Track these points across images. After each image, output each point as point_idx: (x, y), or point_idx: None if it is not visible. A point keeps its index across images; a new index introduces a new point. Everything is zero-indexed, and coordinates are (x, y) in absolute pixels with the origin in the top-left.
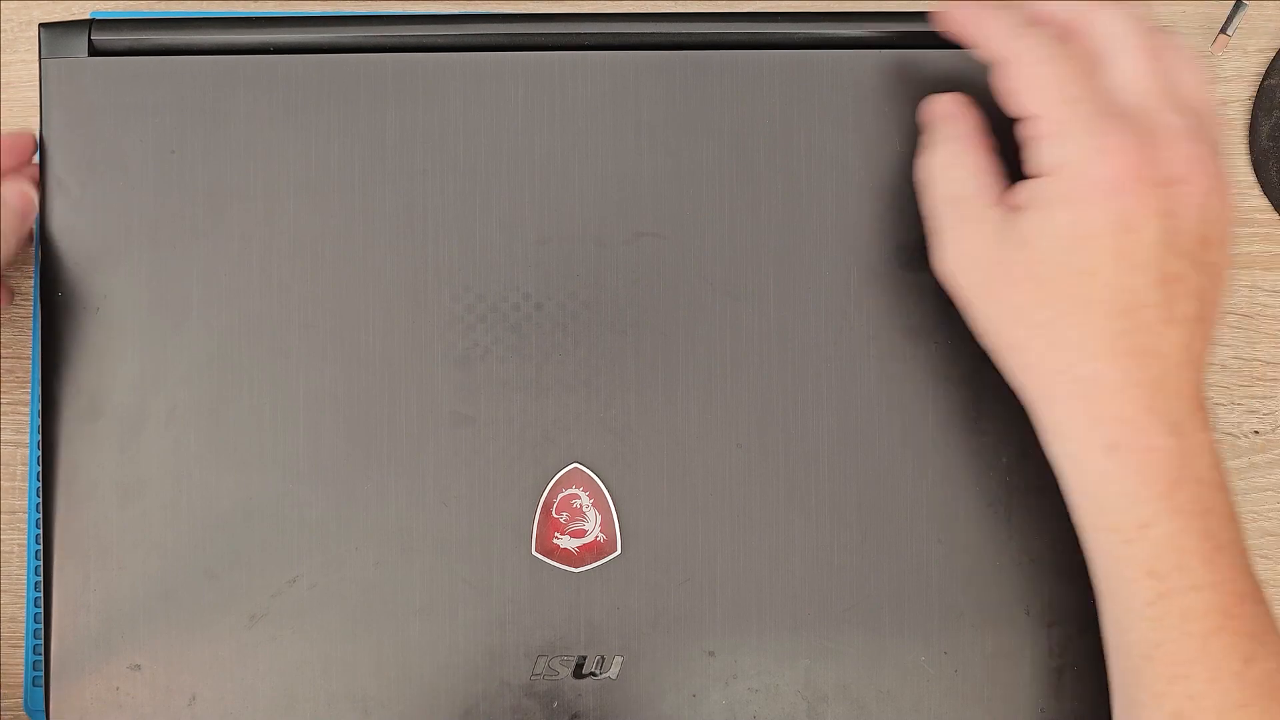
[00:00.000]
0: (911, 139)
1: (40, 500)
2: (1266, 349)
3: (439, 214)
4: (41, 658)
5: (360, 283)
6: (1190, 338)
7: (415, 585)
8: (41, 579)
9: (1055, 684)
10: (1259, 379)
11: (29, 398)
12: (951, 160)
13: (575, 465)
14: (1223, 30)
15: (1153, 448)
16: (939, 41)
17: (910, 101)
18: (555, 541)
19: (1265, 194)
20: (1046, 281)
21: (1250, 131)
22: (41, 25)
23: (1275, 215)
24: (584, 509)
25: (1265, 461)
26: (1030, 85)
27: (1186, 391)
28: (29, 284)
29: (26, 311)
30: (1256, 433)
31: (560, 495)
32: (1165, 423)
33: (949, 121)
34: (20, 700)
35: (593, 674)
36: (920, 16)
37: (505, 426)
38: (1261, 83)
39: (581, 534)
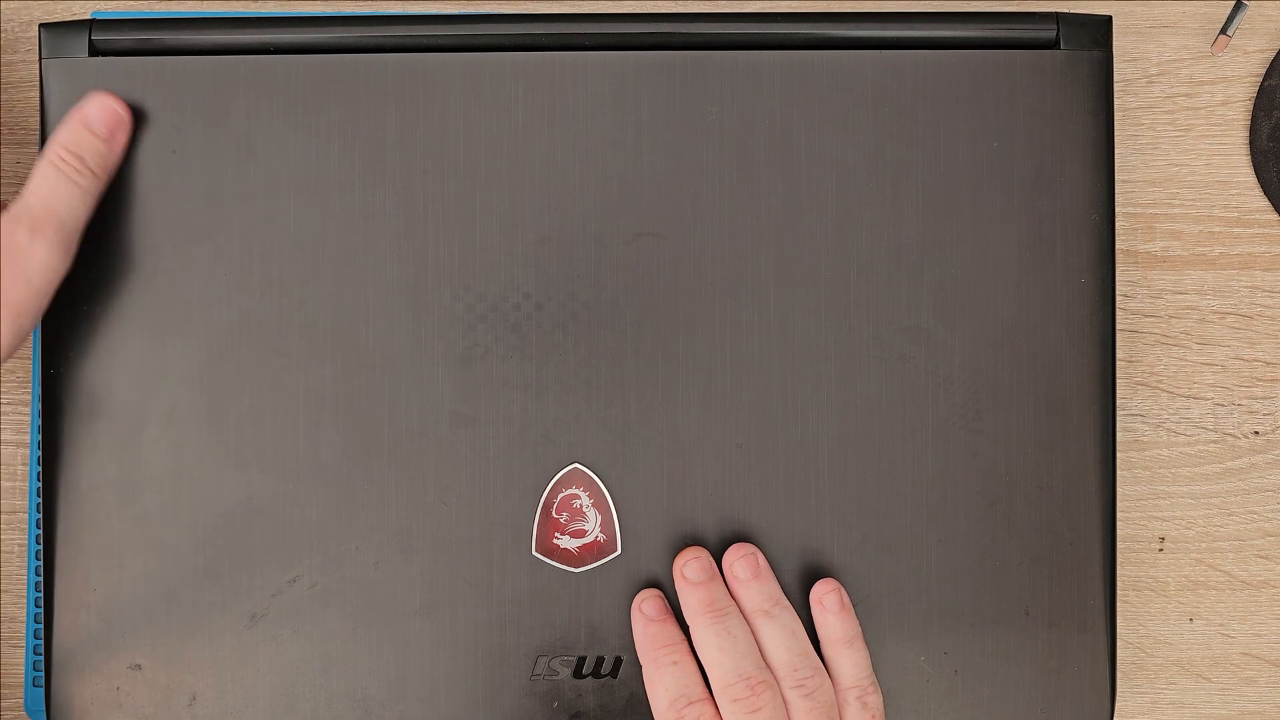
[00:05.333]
0: (910, 139)
1: (40, 500)
2: (1266, 349)
3: (439, 214)
4: (42, 658)
5: (360, 283)
6: None
7: (415, 585)
8: (42, 579)
9: (1054, 684)
10: (1259, 379)
11: (29, 398)
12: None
13: (575, 465)
14: (1223, 31)
15: None
16: (938, 41)
17: (909, 101)
18: (555, 541)
19: (1265, 194)
20: None
21: (1250, 132)
22: (42, 26)
23: (1275, 216)
24: (584, 509)
25: (1265, 462)
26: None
27: None
28: None
29: None
30: (1257, 433)
31: (560, 495)
32: None
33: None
34: (20, 700)
35: (593, 674)
36: (920, 17)
37: (505, 426)
38: (1261, 83)
39: (581, 534)
